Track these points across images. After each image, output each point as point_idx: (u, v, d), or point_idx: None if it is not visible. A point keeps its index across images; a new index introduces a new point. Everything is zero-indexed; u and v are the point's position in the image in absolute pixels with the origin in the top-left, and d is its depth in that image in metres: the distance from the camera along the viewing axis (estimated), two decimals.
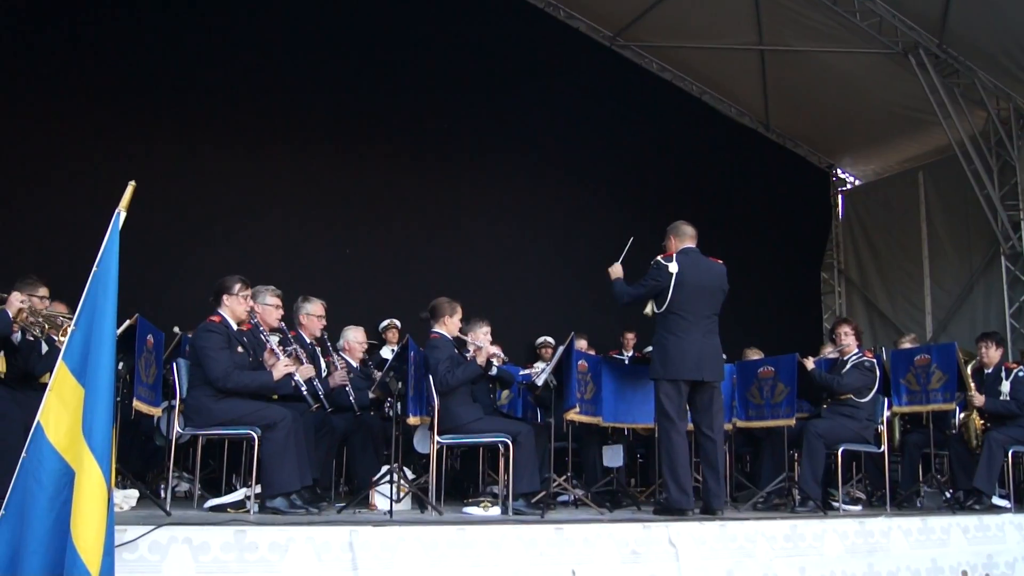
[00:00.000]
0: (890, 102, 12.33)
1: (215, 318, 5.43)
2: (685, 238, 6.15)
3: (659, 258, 6.05)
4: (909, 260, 13.53)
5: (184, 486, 6.68)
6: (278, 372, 5.46)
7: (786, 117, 13.83)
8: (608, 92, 12.39)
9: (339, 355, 6.86)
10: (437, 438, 5.86)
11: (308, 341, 6.57)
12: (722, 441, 6.09)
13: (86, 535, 3.23)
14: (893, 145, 13.62)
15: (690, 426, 6.19)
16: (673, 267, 5.95)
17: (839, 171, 14.97)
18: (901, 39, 11.01)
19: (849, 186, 15.01)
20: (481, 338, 6.35)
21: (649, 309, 6.07)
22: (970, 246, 12.64)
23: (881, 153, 14.05)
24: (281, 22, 10.11)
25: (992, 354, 7.42)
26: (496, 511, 5.78)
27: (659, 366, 5.97)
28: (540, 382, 6.50)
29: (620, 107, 12.42)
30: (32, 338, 4.84)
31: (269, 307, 5.96)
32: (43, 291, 5.03)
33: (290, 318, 6.57)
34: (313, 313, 6.65)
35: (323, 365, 6.57)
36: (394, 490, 5.44)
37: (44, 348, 5.07)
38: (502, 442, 5.84)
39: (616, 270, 6.30)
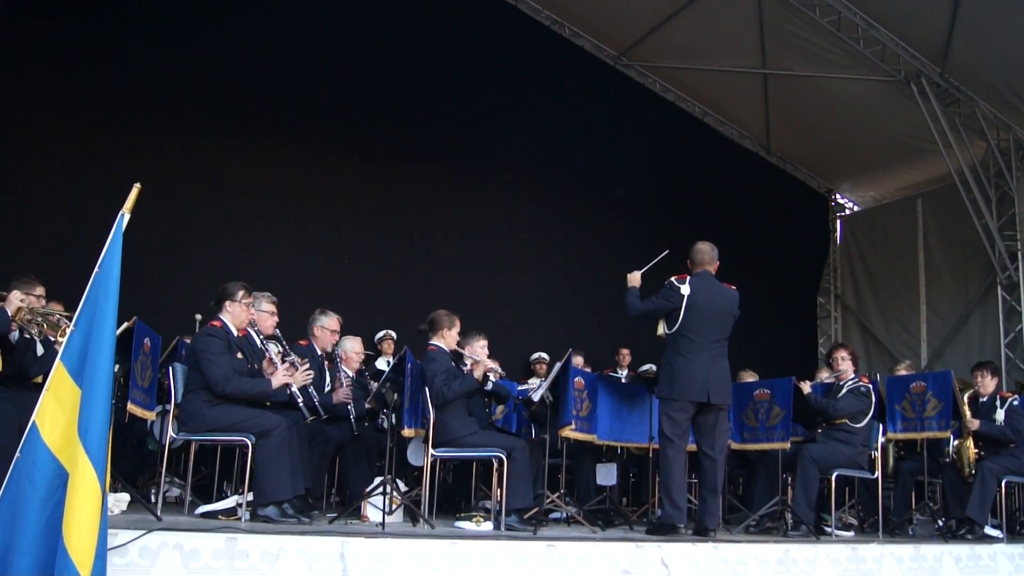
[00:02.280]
0: (891, 129, 12.39)
1: (216, 323, 5.42)
2: (703, 263, 6.15)
3: (673, 279, 6.04)
4: (906, 287, 13.55)
5: (175, 491, 6.64)
6: (277, 381, 5.43)
7: (787, 141, 13.88)
8: (611, 110, 12.45)
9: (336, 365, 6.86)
10: (431, 451, 5.84)
11: (319, 353, 6.56)
12: (723, 461, 6.09)
13: (78, 537, 3.20)
14: (893, 172, 13.67)
15: (691, 446, 6.18)
16: (685, 289, 5.94)
17: (838, 196, 15.01)
18: (903, 67, 11.06)
19: (848, 212, 15.05)
20: (479, 352, 6.34)
21: (661, 330, 6.06)
22: (967, 275, 12.67)
23: (880, 180, 14.09)
24: (285, 29, 10.15)
25: (987, 383, 7.42)
26: (488, 526, 5.75)
27: (666, 386, 5.96)
28: (537, 398, 6.49)
29: (622, 125, 12.46)
30: (28, 336, 4.82)
31: (264, 314, 5.95)
32: (40, 290, 5.02)
33: (304, 329, 6.59)
34: (327, 327, 6.67)
35: (328, 379, 6.56)
36: (386, 502, 5.41)
37: (40, 350, 5.05)
38: (496, 457, 5.82)
39: (635, 278, 6.25)
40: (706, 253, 6.17)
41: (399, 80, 10.84)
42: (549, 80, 11.86)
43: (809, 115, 12.89)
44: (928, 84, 11.06)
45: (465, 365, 6.29)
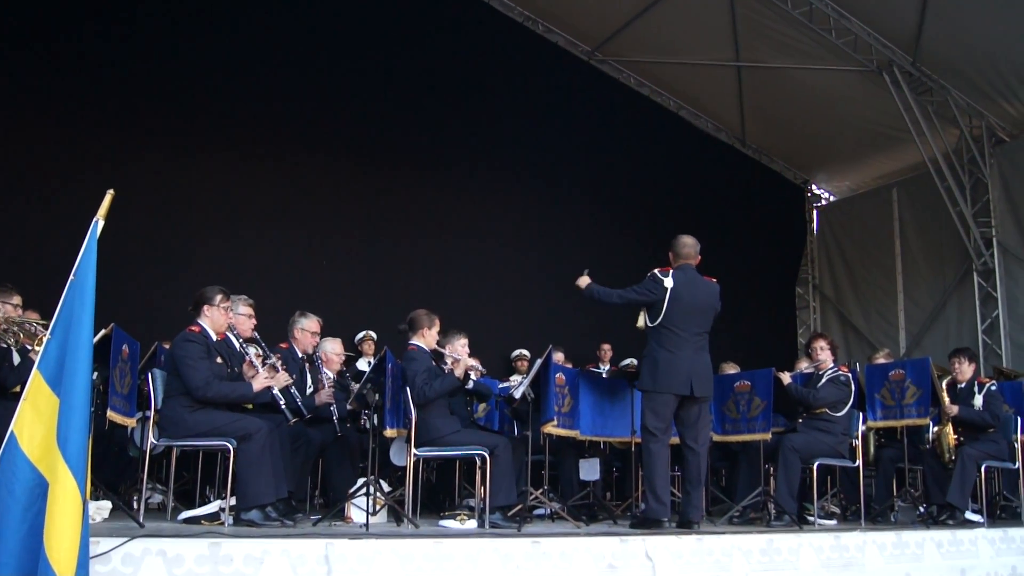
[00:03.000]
0: (865, 119, 12.47)
1: (194, 328, 5.39)
2: (687, 256, 6.16)
3: (656, 271, 6.05)
4: (883, 276, 13.65)
5: (157, 498, 6.61)
6: (258, 384, 5.42)
7: (762, 133, 13.94)
8: (586, 106, 12.45)
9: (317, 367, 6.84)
10: (414, 450, 5.83)
11: (300, 355, 6.54)
12: (706, 453, 6.11)
13: (59, 547, 3.18)
14: (867, 161, 13.76)
15: (674, 439, 6.20)
16: (668, 282, 5.95)
17: (814, 187, 15.09)
18: (876, 57, 11.14)
19: (824, 202, 15.13)
20: (459, 350, 6.34)
21: (641, 322, 6.07)
22: (943, 262, 12.78)
23: (856, 169, 14.19)
24: (265, 34, 10.09)
25: (965, 369, 7.50)
26: (473, 524, 5.75)
27: (648, 378, 5.96)
28: (518, 395, 6.49)
29: (598, 121, 12.47)
30: (5, 346, 4.79)
31: (242, 316, 5.93)
32: (16, 299, 5.00)
33: (284, 331, 6.56)
34: (308, 329, 6.63)
35: (309, 381, 6.54)
36: (370, 503, 5.40)
37: (16, 359, 5.01)
38: (479, 455, 5.82)
39: (583, 279, 6.27)
40: (689, 247, 6.18)
41: (374, 81, 10.81)
42: (523, 76, 11.86)
43: (783, 106, 12.96)
44: (900, 73, 11.14)
45: (446, 364, 6.29)
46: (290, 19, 10.34)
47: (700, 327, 6.04)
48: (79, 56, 9.00)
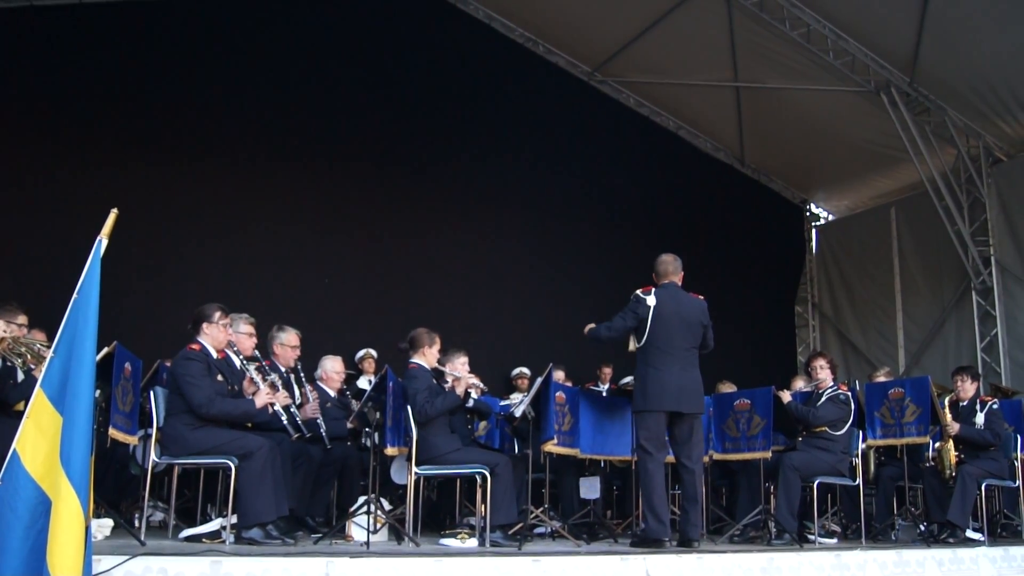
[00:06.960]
0: (863, 139, 12.51)
1: (195, 346, 5.41)
2: (668, 274, 6.20)
3: (638, 292, 6.11)
4: (882, 294, 13.65)
5: (158, 516, 6.61)
6: (260, 401, 5.44)
7: (761, 152, 13.97)
8: (586, 126, 12.51)
9: (316, 384, 6.83)
10: (415, 469, 5.84)
11: (283, 370, 6.54)
12: (701, 471, 6.12)
13: (62, 565, 3.19)
14: (866, 181, 13.78)
15: (670, 457, 6.21)
16: (651, 300, 6.01)
17: (813, 206, 15.11)
18: (873, 77, 11.19)
19: (822, 221, 15.15)
20: (459, 368, 6.36)
21: (632, 346, 6.10)
22: (941, 281, 12.78)
23: (854, 189, 14.21)
24: (262, 48, 10.18)
25: (967, 387, 7.50)
26: (473, 543, 5.76)
27: (640, 398, 6.01)
28: (519, 413, 6.50)
29: (597, 141, 12.54)
30: (10, 364, 4.81)
31: (243, 335, 5.94)
32: (22, 318, 5.03)
33: (264, 346, 6.56)
34: (287, 343, 6.59)
35: (296, 395, 6.53)
36: (371, 521, 5.41)
37: (20, 376, 5.03)
38: (480, 473, 5.83)
39: (589, 326, 6.34)
40: (669, 264, 6.25)
41: (377, 100, 10.89)
42: (524, 97, 11.92)
43: (782, 126, 13.00)
44: (898, 93, 11.19)
45: (446, 382, 6.30)
46: (295, 36, 10.41)
47: (687, 343, 6.07)
48: (80, 74, 9.07)
